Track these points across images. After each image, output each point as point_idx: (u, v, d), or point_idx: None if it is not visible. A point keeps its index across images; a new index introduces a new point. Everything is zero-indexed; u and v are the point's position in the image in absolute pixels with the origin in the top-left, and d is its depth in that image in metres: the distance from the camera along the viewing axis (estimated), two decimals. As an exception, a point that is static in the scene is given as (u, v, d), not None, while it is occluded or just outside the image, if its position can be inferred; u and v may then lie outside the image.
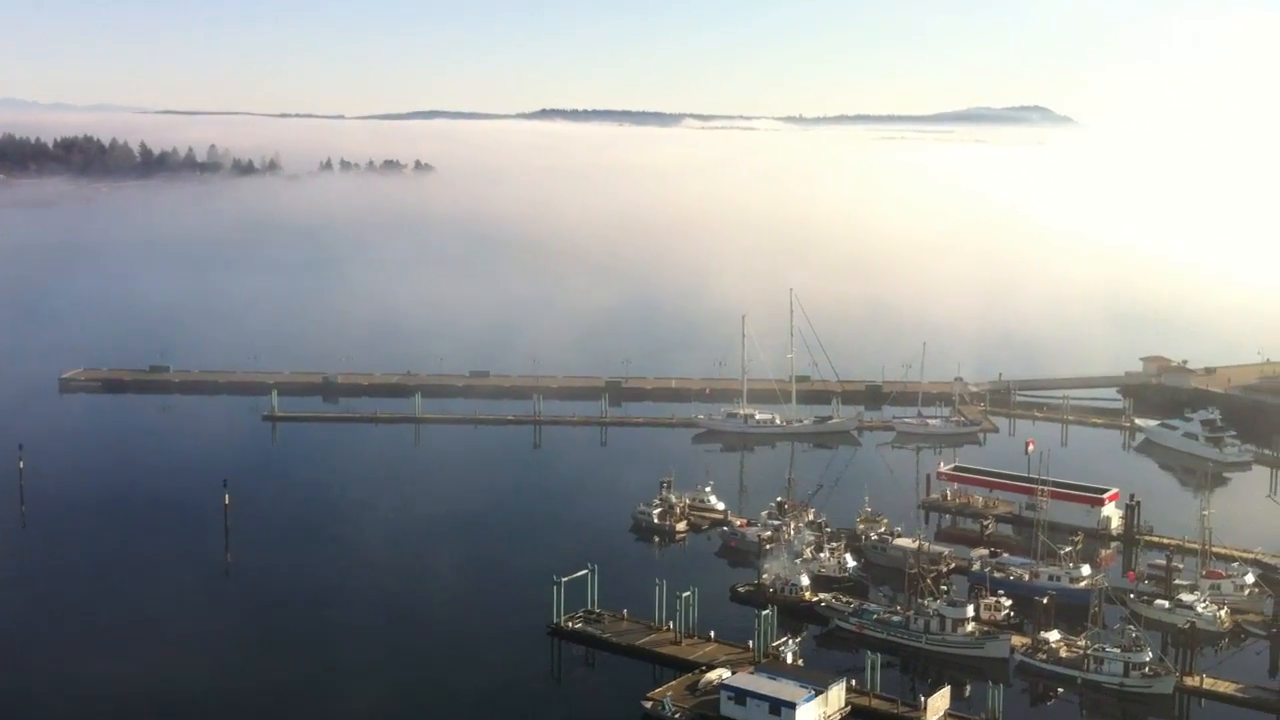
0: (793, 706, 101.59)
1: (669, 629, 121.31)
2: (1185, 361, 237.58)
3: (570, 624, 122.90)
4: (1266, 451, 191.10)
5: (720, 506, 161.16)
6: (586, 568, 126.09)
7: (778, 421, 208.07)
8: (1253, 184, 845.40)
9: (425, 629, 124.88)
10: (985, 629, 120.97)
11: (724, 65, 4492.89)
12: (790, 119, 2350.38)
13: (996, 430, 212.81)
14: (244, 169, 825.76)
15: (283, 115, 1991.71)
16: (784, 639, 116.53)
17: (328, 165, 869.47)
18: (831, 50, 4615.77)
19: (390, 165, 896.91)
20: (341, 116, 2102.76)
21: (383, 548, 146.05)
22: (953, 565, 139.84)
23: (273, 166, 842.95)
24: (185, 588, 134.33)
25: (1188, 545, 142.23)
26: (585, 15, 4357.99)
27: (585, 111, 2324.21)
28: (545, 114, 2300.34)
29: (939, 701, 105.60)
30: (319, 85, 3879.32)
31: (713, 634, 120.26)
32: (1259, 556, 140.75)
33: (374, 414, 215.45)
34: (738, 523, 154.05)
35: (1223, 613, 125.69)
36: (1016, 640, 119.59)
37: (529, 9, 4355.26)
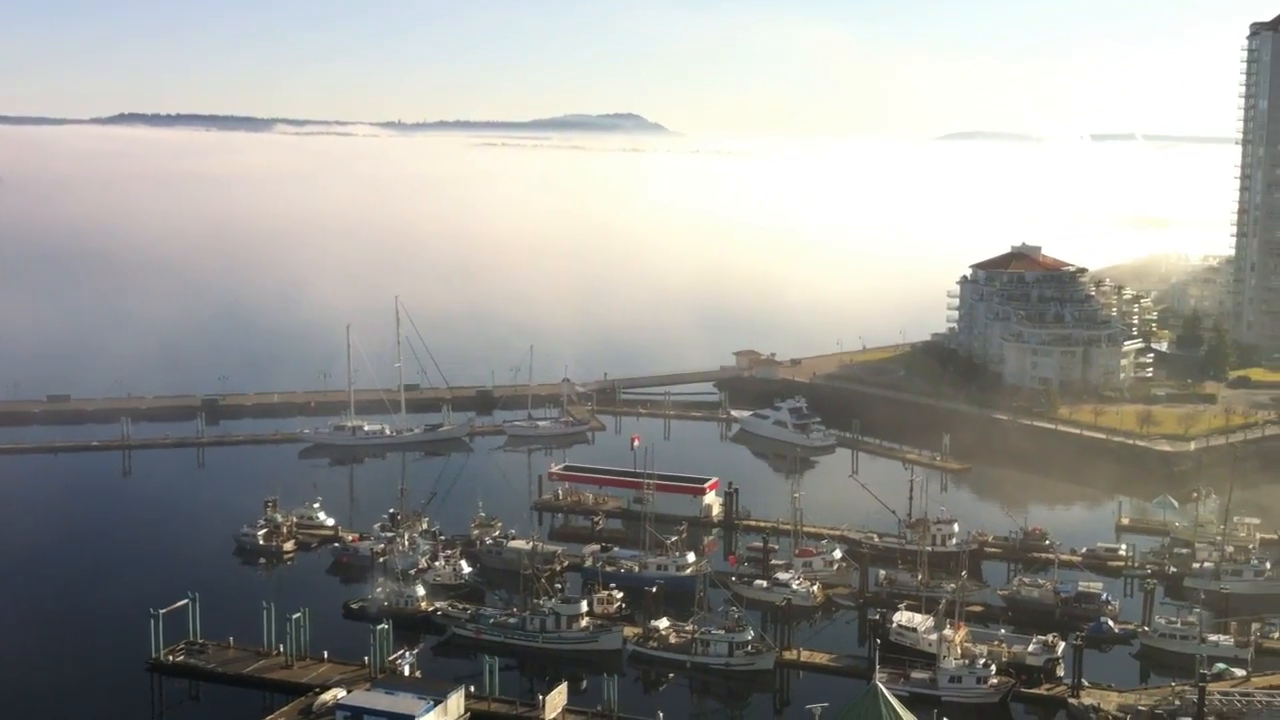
0: (411, 718, 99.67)
1: (279, 653, 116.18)
2: (773, 354, 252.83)
3: (171, 658, 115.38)
4: (847, 435, 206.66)
5: (330, 522, 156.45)
6: (187, 597, 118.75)
7: (387, 432, 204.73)
8: (824, 192, 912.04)
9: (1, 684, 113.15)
10: (599, 622, 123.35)
11: (318, 70, 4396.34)
12: (389, 124, 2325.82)
13: (604, 428, 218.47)
14: None
15: None
16: (401, 652, 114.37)
17: None
18: (429, 56, 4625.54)
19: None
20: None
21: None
22: (566, 563, 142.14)
23: None
24: None
25: (782, 527, 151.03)
26: (164, 14, 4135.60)
27: (169, 116, 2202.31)
28: (124, 118, 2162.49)
29: (557, 698, 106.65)
30: None
31: (326, 654, 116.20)
32: (845, 533, 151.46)
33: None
34: (349, 538, 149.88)
35: (815, 588, 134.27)
36: (629, 631, 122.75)
37: (100, 4, 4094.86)
